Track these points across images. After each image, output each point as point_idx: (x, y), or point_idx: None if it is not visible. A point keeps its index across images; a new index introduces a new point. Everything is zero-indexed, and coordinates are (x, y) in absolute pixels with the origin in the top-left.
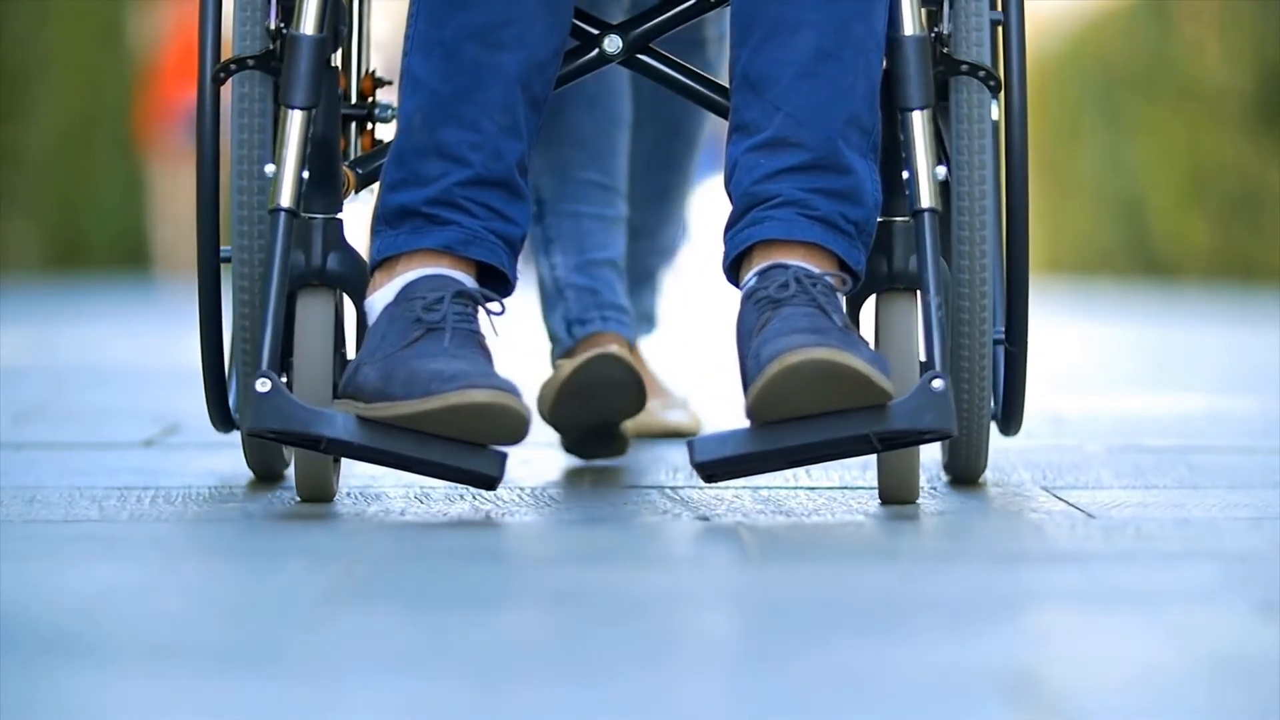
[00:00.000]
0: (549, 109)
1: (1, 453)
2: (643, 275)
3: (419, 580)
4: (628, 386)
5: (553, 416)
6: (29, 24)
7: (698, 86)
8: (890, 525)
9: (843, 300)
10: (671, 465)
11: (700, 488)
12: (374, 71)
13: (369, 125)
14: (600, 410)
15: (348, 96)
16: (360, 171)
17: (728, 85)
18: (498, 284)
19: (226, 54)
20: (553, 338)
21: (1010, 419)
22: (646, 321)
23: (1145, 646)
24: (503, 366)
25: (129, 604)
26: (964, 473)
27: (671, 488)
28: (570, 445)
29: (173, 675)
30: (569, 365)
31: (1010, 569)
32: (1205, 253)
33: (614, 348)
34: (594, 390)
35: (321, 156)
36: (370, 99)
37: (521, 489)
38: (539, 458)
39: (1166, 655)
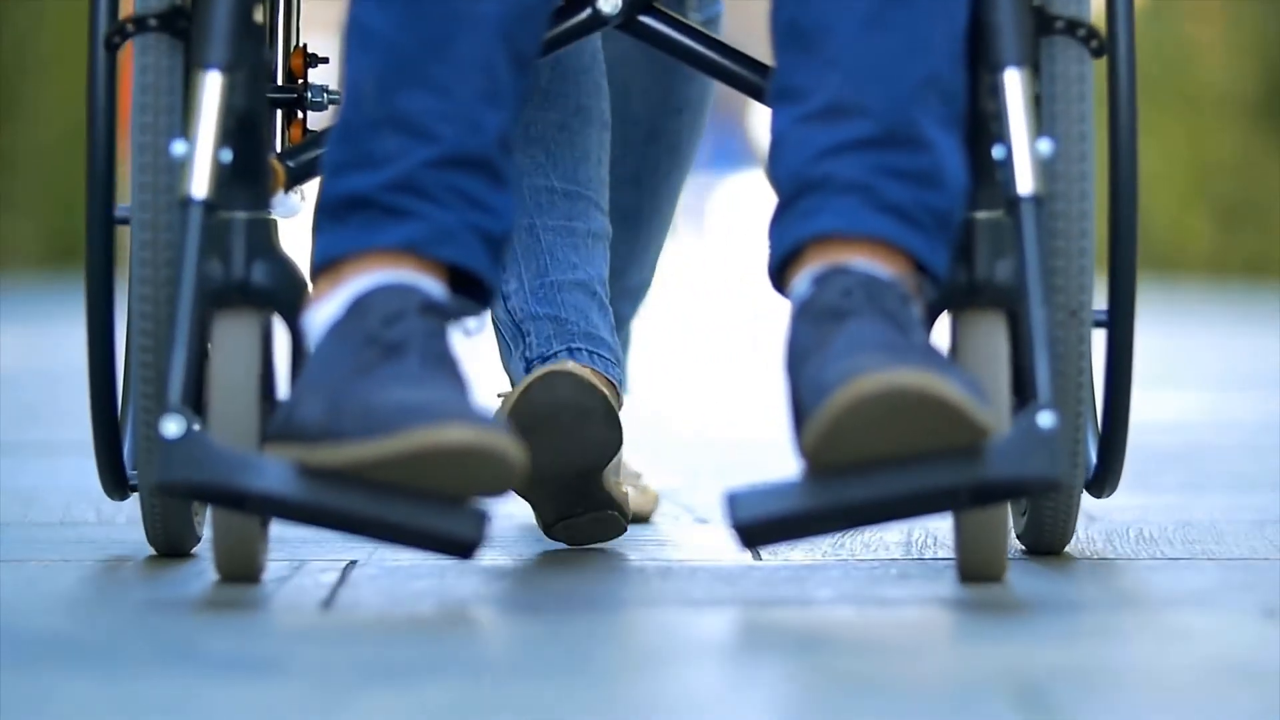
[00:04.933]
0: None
1: None
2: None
3: (417, 583)
4: (592, 413)
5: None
6: (27, 24)
7: (716, 56)
8: (888, 529)
9: (920, 311)
10: (669, 468)
11: (698, 490)
12: (304, 46)
13: (298, 113)
14: (564, 451)
15: (272, 76)
16: (291, 164)
17: (749, 55)
18: (475, 292)
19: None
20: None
21: (1108, 476)
22: (640, 293)
23: (1146, 650)
24: (484, 397)
25: (127, 606)
26: (1048, 544)
27: (670, 489)
28: (549, 520)
29: (172, 679)
30: (510, 396)
31: (1009, 572)
32: (1206, 252)
33: (570, 365)
34: (549, 424)
35: (244, 136)
36: (301, 80)
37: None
38: None
39: (1167, 659)
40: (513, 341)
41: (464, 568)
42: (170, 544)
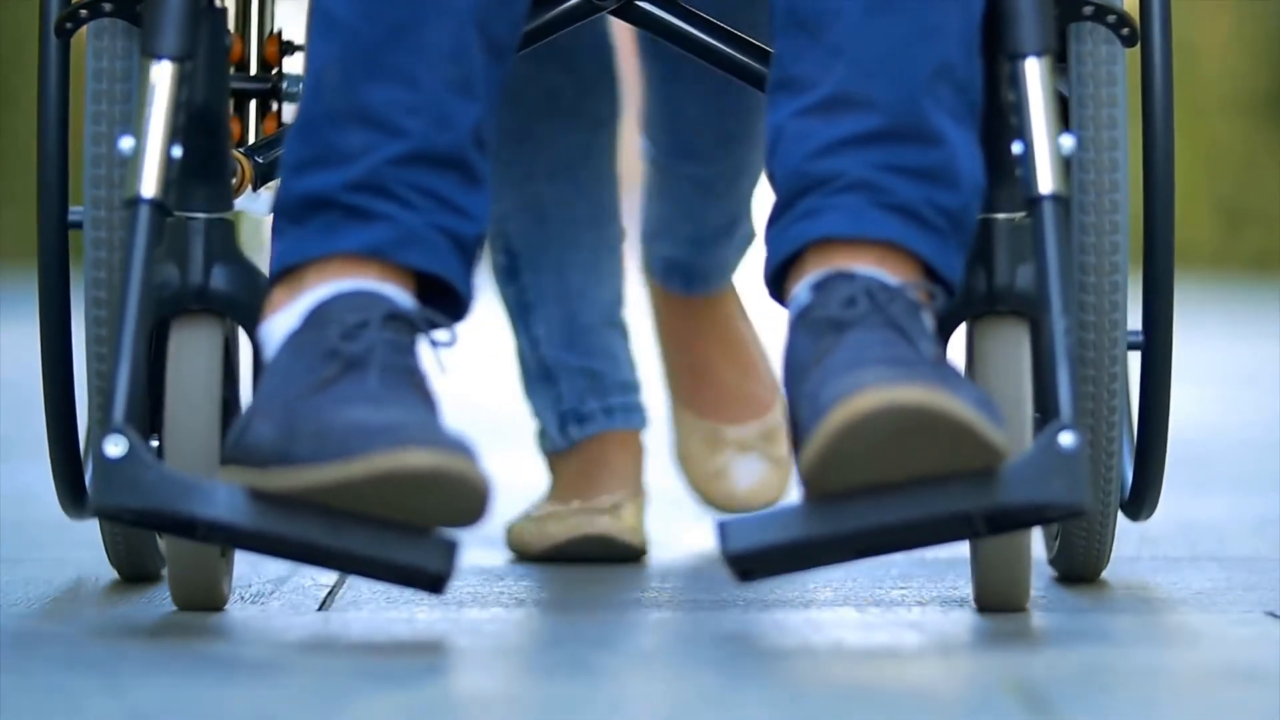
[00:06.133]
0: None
1: None
2: (721, 229)
3: None
4: (623, 558)
5: (524, 559)
6: (28, 22)
7: (719, 44)
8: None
9: (930, 321)
10: (669, 467)
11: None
12: (280, 33)
13: (273, 105)
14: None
15: (245, 66)
16: (260, 160)
17: (758, 43)
18: (445, 302)
19: None
20: (541, 422)
21: (1144, 498)
22: (745, 241)
23: (1148, 651)
24: (452, 417)
25: (125, 607)
26: (1081, 570)
27: (669, 489)
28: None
29: (169, 680)
30: (555, 530)
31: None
32: (1210, 250)
33: (604, 525)
34: (582, 557)
35: (201, 131)
36: (275, 69)
37: (510, 490)
38: (522, 460)
39: (1170, 660)
40: (541, 381)
41: (462, 569)
42: (132, 567)
